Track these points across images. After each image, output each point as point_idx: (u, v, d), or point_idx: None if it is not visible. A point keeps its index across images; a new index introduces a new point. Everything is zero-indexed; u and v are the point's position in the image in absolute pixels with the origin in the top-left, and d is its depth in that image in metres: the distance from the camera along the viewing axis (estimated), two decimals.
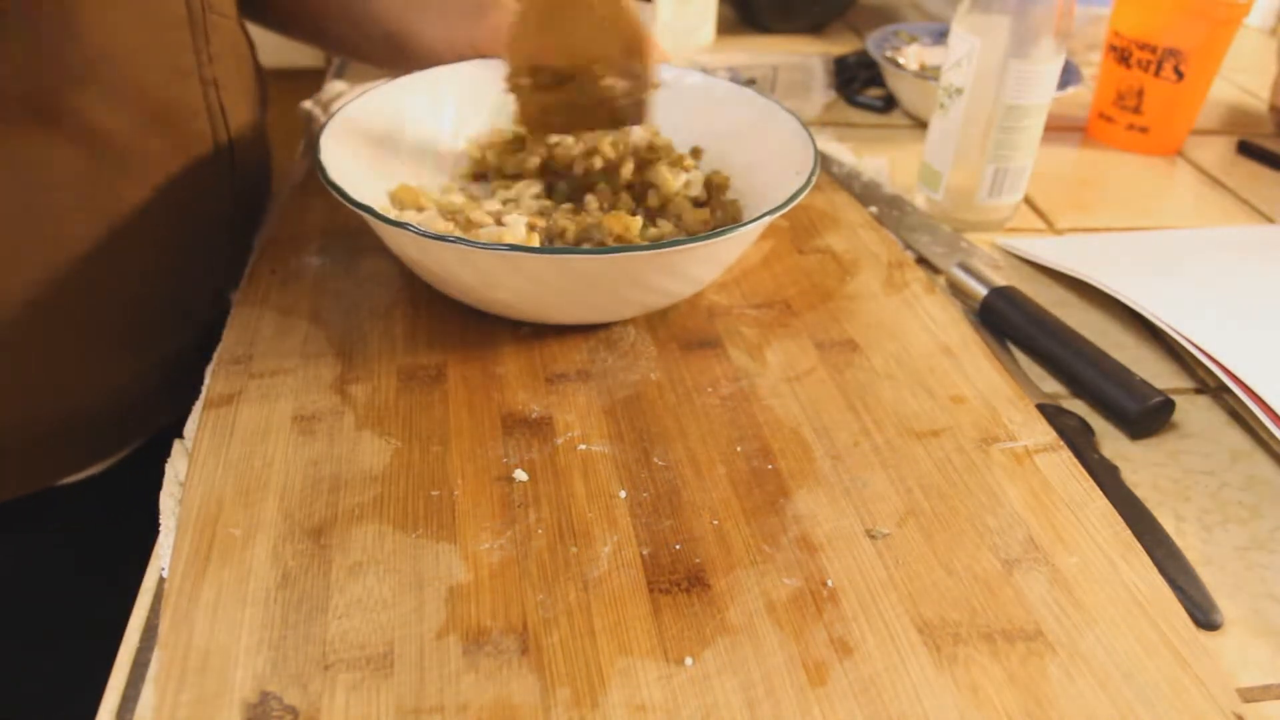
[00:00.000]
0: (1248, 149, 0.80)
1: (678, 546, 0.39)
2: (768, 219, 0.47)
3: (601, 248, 0.44)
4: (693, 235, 0.49)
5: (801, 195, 0.48)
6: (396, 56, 0.64)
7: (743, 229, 0.46)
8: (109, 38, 0.47)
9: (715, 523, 0.40)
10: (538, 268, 0.45)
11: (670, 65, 0.61)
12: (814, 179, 0.50)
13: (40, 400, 0.51)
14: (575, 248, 0.47)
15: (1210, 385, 0.53)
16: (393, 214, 0.51)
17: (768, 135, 0.57)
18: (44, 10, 0.44)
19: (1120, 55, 0.77)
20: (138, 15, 0.48)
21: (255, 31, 0.66)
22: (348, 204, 0.45)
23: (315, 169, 0.48)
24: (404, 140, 0.58)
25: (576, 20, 0.51)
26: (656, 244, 0.44)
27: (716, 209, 0.55)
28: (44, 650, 0.58)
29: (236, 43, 0.58)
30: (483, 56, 0.61)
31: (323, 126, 0.52)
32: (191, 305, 0.58)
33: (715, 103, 0.60)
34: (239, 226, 0.61)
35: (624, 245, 0.45)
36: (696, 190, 0.56)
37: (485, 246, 0.43)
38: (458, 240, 0.44)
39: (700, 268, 0.49)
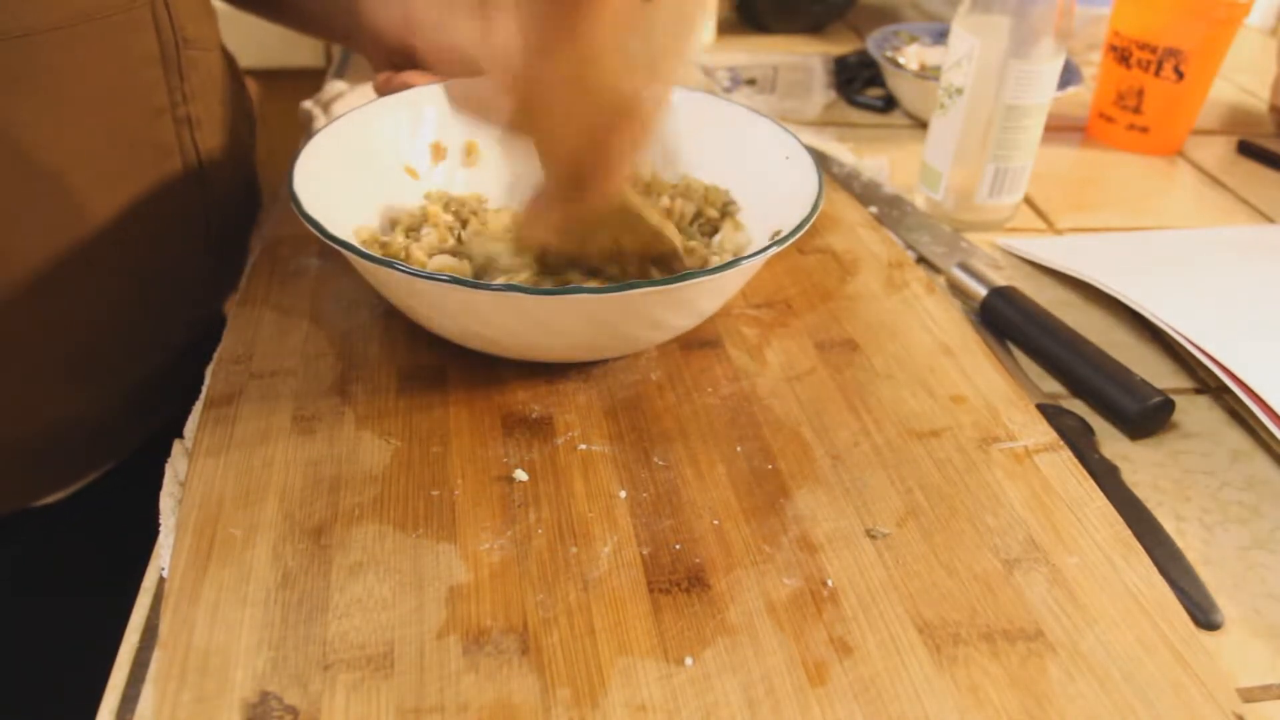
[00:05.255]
0: (1248, 149, 0.80)
1: (678, 546, 0.39)
2: (774, 250, 0.44)
3: (568, 287, 0.41)
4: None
5: (809, 222, 0.46)
6: (347, 27, 0.61)
7: (746, 262, 0.43)
8: (73, 75, 0.45)
9: (715, 523, 0.40)
10: (513, 306, 0.42)
11: (677, 85, 0.60)
12: (818, 209, 0.47)
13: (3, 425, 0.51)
14: (539, 288, 0.43)
15: (1210, 385, 0.53)
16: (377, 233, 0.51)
17: (769, 158, 0.54)
18: (4, 45, 0.43)
19: (1120, 55, 0.77)
20: (105, 52, 0.47)
21: (254, 30, 0.65)
22: (322, 235, 0.43)
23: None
24: (383, 161, 0.56)
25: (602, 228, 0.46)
26: (632, 284, 0.41)
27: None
28: (43, 651, 0.58)
29: (217, 76, 0.56)
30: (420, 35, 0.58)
31: (300, 149, 0.50)
32: (162, 334, 0.57)
33: (718, 123, 0.57)
34: (215, 258, 0.59)
35: (632, 283, 0.42)
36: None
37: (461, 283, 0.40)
38: (407, 271, 0.41)
39: (707, 301, 0.47)
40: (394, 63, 0.61)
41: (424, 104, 0.57)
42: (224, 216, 0.59)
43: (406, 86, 0.58)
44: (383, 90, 0.60)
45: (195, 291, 0.59)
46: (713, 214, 0.54)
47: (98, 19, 0.46)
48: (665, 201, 0.55)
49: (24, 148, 0.45)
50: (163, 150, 0.52)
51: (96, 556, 0.58)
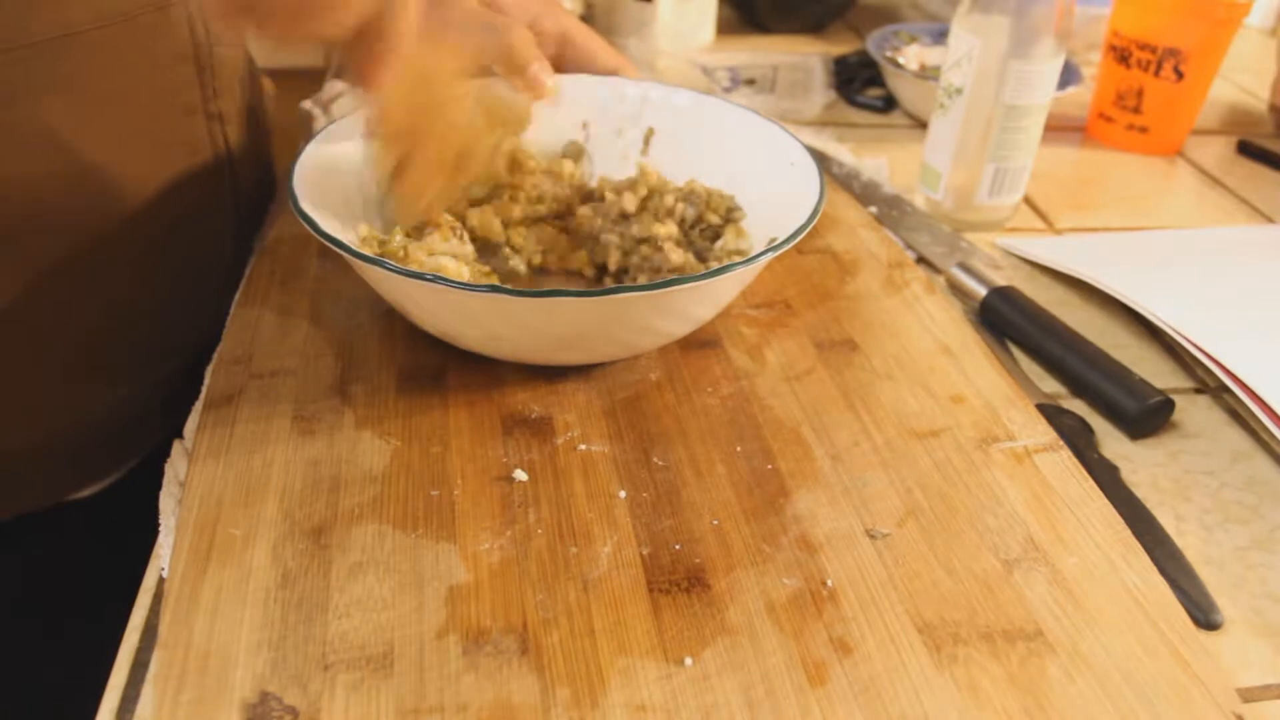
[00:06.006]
0: (1248, 149, 0.80)
1: (678, 546, 0.39)
2: (767, 257, 0.44)
3: (582, 290, 0.41)
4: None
5: (805, 230, 0.46)
6: None
7: (737, 269, 0.43)
8: (108, 74, 0.45)
9: (715, 523, 0.40)
10: (520, 311, 0.42)
11: (670, 84, 0.59)
12: (819, 211, 0.47)
13: (26, 426, 0.50)
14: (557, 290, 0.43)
15: (1210, 385, 0.53)
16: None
17: (768, 159, 0.54)
18: (42, 46, 0.43)
19: (1120, 55, 0.77)
20: (140, 51, 0.47)
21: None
22: (316, 233, 0.43)
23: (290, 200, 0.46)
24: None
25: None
26: (650, 285, 0.41)
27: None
28: (44, 651, 0.58)
29: (242, 72, 0.56)
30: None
31: (300, 152, 0.49)
32: (188, 331, 0.56)
33: (723, 127, 0.57)
34: (239, 253, 0.60)
35: (618, 287, 0.42)
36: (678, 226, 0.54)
37: (465, 287, 0.41)
38: (433, 279, 0.41)
39: (697, 308, 0.46)
40: None
41: None
42: (249, 211, 0.59)
43: None
44: None
45: (216, 286, 0.59)
46: (714, 219, 0.54)
47: (133, 18, 0.46)
48: (669, 200, 0.54)
49: (60, 147, 0.45)
50: (194, 147, 0.52)
51: (105, 559, 0.58)
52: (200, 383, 0.48)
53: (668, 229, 0.52)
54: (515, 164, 0.55)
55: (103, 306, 0.50)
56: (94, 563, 0.58)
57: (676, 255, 0.51)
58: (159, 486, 0.43)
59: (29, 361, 0.49)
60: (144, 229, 0.50)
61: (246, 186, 0.57)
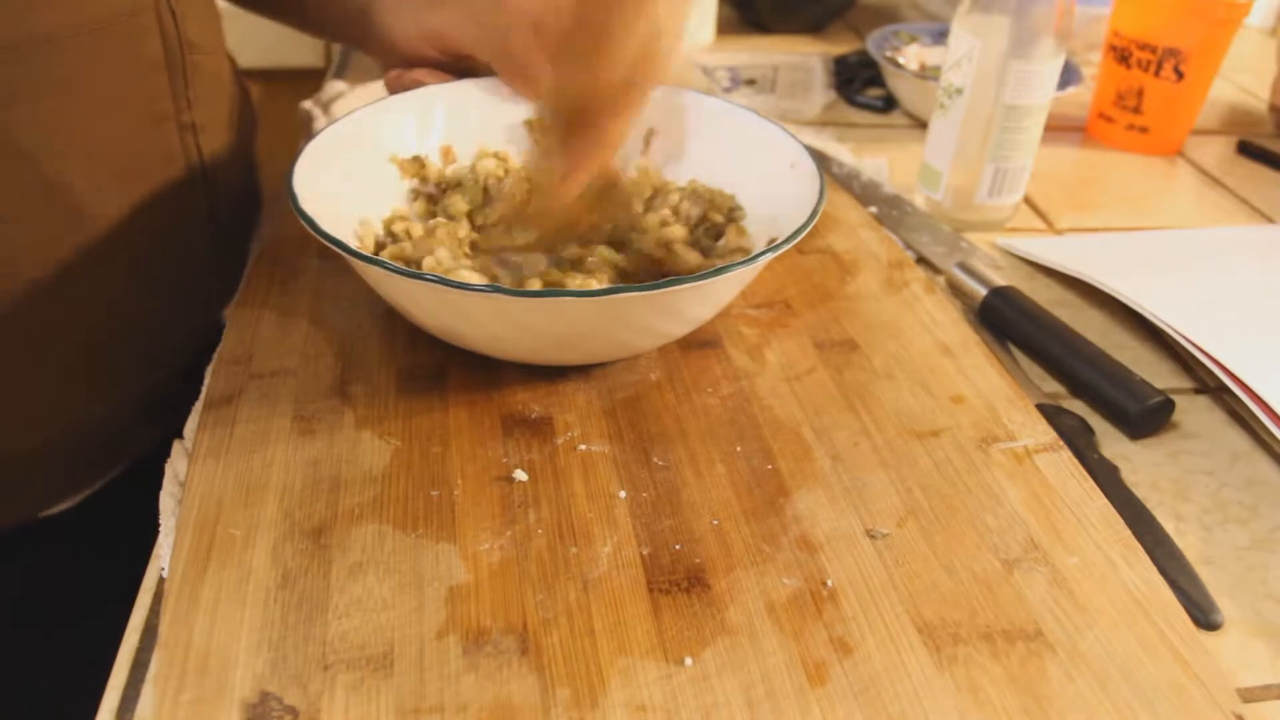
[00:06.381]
0: (1248, 149, 0.80)
1: (678, 546, 0.39)
2: (767, 257, 0.44)
3: (583, 291, 0.41)
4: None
5: (805, 230, 0.45)
6: (360, 34, 0.62)
7: (737, 269, 0.43)
8: (78, 83, 0.45)
9: (715, 523, 0.40)
10: (520, 311, 0.42)
11: (666, 84, 0.59)
12: (819, 211, 0.47)
13: (27, 429, 0.50)
14: (554, 290, 0.43)
15: (1210, 385, 0.53)
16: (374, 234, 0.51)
17: (768, 159, 0.54)
18: (10, 54, 0.42)
19: (1120, 55, 0.77)
20: (110, 59, 0.46)
21: (255, 30, 0.65)
22: (316, 233, 0.43)
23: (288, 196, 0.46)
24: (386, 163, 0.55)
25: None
26: (648, 285, 0.41)
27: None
28: (44, 651, 0.58)
29: (220, 80, 0.56)
30: (436, 46, 0.59)
31: (300, 150, 0.49)
32: (172, 339, 0.56)
33: (725, 127, 0.57)
34: (220, 261, 0.59)
35: (618, 287, 0.41)
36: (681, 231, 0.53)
37: (466, 287, 0.40)
38: (418, 276, 0.41)
39: (698, 308, 0.46)
40: (407, 63, 0.61)
41: (434, 104, 0.57)
42: (229, 220, 0.59)
43: (417, 84, 0.58)
44: (393, 87, 0.60)
45: (202, 295, 0.59)
46: (718, 219, 0.54)
47: (103, 26, 0.45)
48: (674, 199, 0.54)
49: (28, 155, 0.44)
50: (167, 157, 0.51)
51: (105, 559, 0.58)
52: (199, 383, 0.48)
53: (678, 231, 0.52)
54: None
55: (100, 309, 0.50)
56: (93, 563, 0.58)
57: (692, 257, 0.51)
58: (158, 487, 0.43)
59: (29, 364, 0.49)
60: (115, 236, 0.49)
61: (226, 195, 0.57)
